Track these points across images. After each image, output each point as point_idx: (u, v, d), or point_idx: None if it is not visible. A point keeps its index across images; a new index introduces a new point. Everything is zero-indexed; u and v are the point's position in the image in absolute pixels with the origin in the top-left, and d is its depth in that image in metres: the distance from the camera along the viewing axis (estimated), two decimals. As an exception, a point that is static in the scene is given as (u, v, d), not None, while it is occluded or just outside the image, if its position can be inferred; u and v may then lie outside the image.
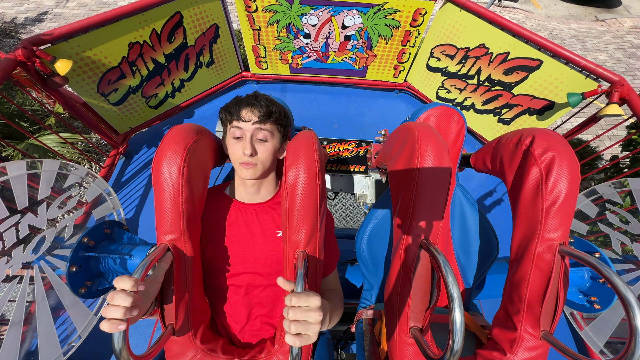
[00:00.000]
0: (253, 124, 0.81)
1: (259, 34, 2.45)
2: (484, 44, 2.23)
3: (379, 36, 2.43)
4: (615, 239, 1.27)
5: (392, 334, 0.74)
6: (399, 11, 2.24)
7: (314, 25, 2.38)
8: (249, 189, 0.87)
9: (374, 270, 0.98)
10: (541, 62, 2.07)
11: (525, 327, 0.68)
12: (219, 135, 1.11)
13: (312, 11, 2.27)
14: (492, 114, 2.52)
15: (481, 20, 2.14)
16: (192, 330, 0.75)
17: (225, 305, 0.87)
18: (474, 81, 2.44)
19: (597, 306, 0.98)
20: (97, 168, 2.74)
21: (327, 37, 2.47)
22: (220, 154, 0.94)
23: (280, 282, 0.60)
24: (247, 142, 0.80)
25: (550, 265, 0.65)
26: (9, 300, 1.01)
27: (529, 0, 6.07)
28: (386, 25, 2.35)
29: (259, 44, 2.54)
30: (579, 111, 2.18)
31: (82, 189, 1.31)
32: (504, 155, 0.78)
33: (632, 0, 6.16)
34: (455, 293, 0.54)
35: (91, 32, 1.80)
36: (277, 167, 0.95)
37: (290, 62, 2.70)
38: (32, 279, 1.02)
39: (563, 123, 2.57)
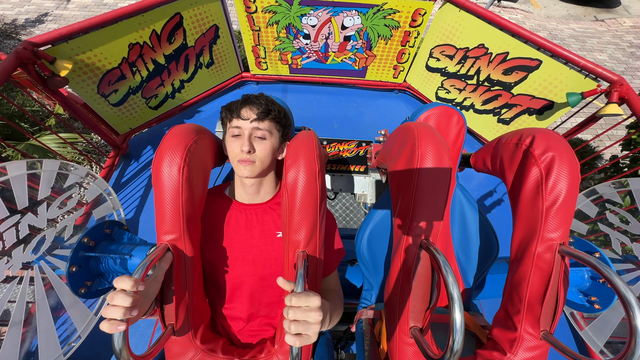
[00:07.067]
0: (251, 122, 0.81)
1: (258, 34, 2.45)
2: (483, 44, 2.23)
3: (378, 36, 2.44)
4: (615, 239, 1.27)
5: (392, 334, 0.74)
6: (398, 11, 2.24)
7: (313, 26, 2.38)
8: (248, 190, 0.87)
9: (374, 270, 0.98)
10: (540, 62, 2.07)
11: (525, 327, 0.68)
12: (219, 135, 1.11)
13: (311, 12, 2.27)
14: (491, 114, 2.52)
15: (480, 21, 2.14)
16: (192, 330, 0.75)
17: (225, 305, 0.87)
18: (474, 81, 2.44)
19: (597, 306, 0.98)
20: (98, 168, 2.74)
21: (327, 38, 2.47)
22: (220, 154, 0.94)
23: (280, 282, 0.60)
24: (245, 139, 0.80)
25: (550, 265, 0.65)
26: (9, 301, 1.00)
27: (528, 0, 6.08)
28: (385, 25, 2.35)
29: (259, 45, 2.54)
30: (578, 111, 2.18)
31: (82, 189, 1.31)
32: (504, 155, 0.78)
33: (631, 0, 6.17)
34: (455, 293, 0.54)
35: (91, 33, 1.80)
36: (276, 168, 0.95)
37: (290, 62, 2.70)
38: (32, 279, 1.01)
39: (563, 123, 2.57)
